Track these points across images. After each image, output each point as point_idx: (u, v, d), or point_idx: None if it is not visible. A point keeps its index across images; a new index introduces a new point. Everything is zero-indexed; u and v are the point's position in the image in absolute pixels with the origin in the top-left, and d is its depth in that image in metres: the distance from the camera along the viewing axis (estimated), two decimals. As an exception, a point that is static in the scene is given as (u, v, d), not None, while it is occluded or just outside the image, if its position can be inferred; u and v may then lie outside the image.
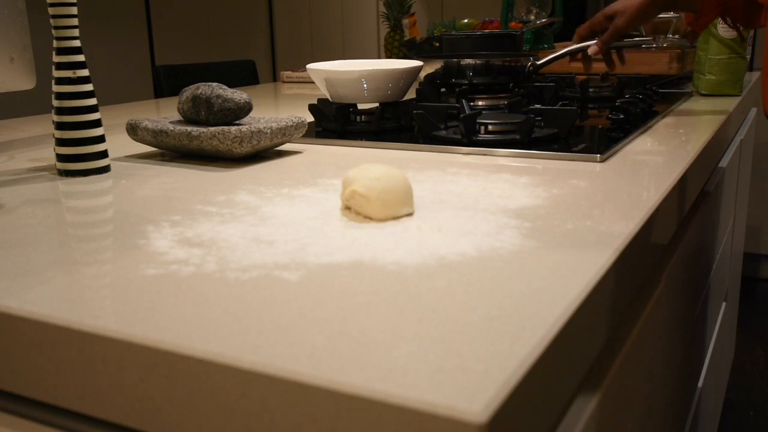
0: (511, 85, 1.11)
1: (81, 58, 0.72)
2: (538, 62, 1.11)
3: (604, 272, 0.44)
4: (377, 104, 0.98)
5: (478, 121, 0.86)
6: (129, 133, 0.85)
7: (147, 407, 0.36)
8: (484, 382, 0.30)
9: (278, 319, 0.37)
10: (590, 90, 1.25)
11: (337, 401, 0.31)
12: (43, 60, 1.25)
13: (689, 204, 0.80)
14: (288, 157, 0.82)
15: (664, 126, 0.97)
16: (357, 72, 0.93)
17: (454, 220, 0.54)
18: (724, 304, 1.37)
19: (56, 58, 0.72)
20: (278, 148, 0.88)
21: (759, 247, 2.49)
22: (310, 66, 0.99)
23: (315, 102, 1.04)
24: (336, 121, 0.97)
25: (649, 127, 0.96)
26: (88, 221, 0.57)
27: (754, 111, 1.66)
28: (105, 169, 0.76)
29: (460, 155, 0.81)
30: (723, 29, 1.23)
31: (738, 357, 2.03)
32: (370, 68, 0.94)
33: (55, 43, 0.71)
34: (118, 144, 0.95)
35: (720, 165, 1.11)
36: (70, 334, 0.38)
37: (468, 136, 0.84)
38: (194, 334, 0.36)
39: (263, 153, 0.84)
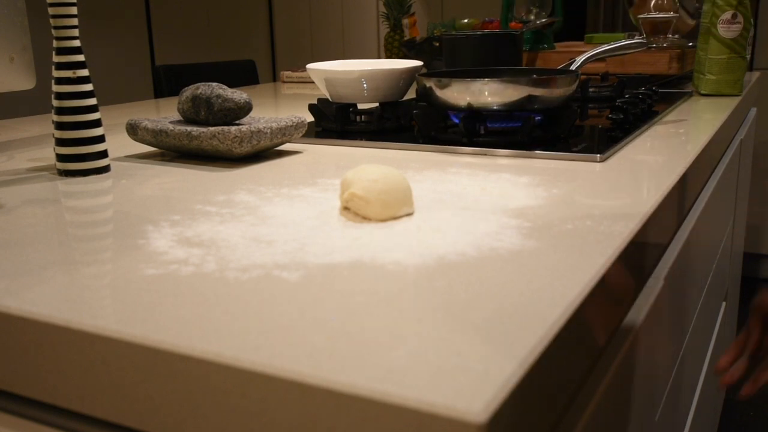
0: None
1: (81, 58, 0.72)
2: (573, 66, 1.04)
3: (604, 272, 0.44)
4: (377, 104, 0.98)
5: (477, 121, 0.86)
6: (129, 133, 0.85)
7: (147, 407, 0.36)
8: (484, 382, 0.30)
9: (278, 319, 0.37)
10: (590, 90, 1.25)
11: (336, 401, 0.31)
12: (43, 60, 1.25)
13: (689, 204, 0.80)
14: (288, 157, 0.82)
15: (664, 126, 0.97)
16: (357, 72, 0.93)
17: (454, 220, 0.54)
18: (724, 304, 1.38)
19: (56, 58, 0.72)
20: (278, 148, 0.88)
21: (759, 247, 2.49)
22: (310, 66, 0.99)
23: (315, 102, 1.04)
24: (336, 121, 0.97)
25: (649, 127, 0.96)
26: (88, 221, 0.57)
27: (754, 111, 1.66)
28: (105, 169, 0.76)
29: (460, 155, 0.81)
30: (723, 29, 1.23)
31: (738, 357, 2.02)
32: (370, 68, 0.94)
33: (55, 43, 0.71)
34: (118, 144, 0.95)
35: (720, 165, 1.11)
36: (69, 334, 0.38)
37: (468, 136, 0.84)
38: (194, 334, 0.36)
39: (263, 153, 0.84)
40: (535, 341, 0.34)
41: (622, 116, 0.95)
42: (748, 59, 1.37)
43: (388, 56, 2.10)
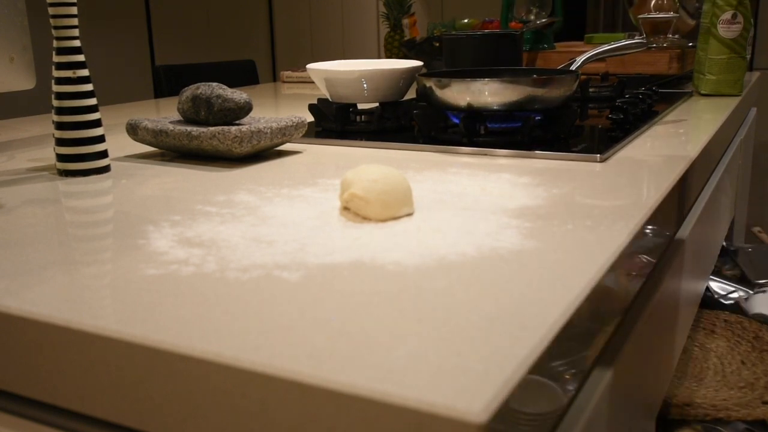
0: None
1: (81, 58, 0.72)
2: (573, 66, 1.04)
3: (604, 272, 0.44)
4: (377, 104, 0.98)
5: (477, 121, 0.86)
6: (129, 133, 0.85)
7: (147, 407, 0.36)
8: (483, 382, 0.30)
9: (278, 319, 0.37)
10: (590, 90, 1.25)
11: (336, 401, 0.31)
12: (43, 60, 1.25)
13: (689, 204, 0.80)
14: (288, 157, 0.82)
15: (664, 126, 0.97)
16: (357, 72, 0.93)
17: (454, 220, 0.54)
18: (724, 304, 1.37)
19: (56, 58, 0.72)
20: (278, 148, 0.88)
21: (759, 247, 2.48)
22: (310, 66, 0.99)
23: (315, 102, 1.04)
24: (336, 121, 0.97)
25: (649, 127, 0.96)
26: (88, 221, 0.57)
27: (754, 111, 1.66)
28: (105, 169, 0.76)
29: (460, 155, 0.81)
30: (723, 29, 1.23)
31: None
32: (370, 68, 0.94)
33: (55, 43, 0.71)
34: (118, 144, 0.95)
35: (720, 165, 1.11)
36: (69, 334, 0.38)
37: (468, 136, 0.84)
38: (194, 334, 0.36)
39: (263, 153, 0.84)
40: (536, 341, 0.34)
41: (622, 116, 0.95)
42: (748, 59, 1.37)
43: (388, 56, 2.10)
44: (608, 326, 0.48)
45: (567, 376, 0.39)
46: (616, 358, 0.51)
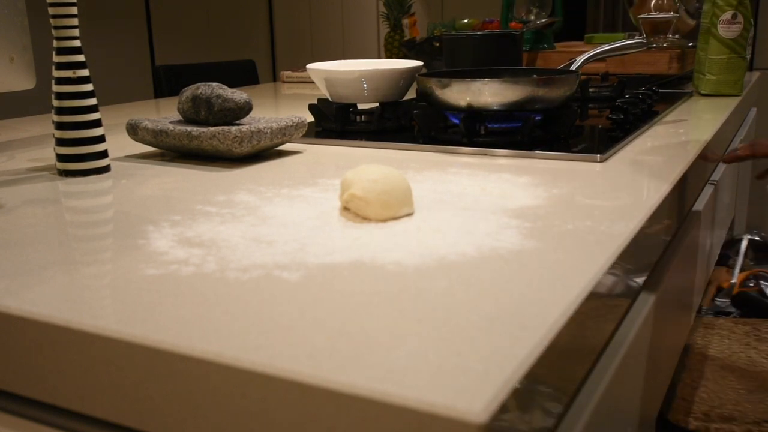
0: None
1: (81, 58, 0.72)
2: (573, 66, 1.04)
3: (604, 272, 0.44)
4: (377, 104, 0.98)
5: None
6: (129, 133, 0.85)
7: (147, 407, 0.36)
8: (484, 382, 0.30)
9: (278, 319, 0.37)
10: (590, 90, 1.25)
11: (336, 401, 0.31)
12: (43, 60, 1.25)
13: (689, 204, 0.80)
14: (288, 157, 0.82)
15: (664, 126, 0.97)
16: (357, 72, 0.93)
17: (454, 220, 0.54)
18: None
19: (56, 58, 0.72)
20: (278, 148, 0.88)
21: (759, 247, 2.48)
22: (310, 66, 0.99)
23: (315, 102, 1.04)
24: (336, 121, 0.97)
25: (649, 127, 0.96)
26: (88, 221, 0.57)
27: (754, 111, 1.66)
28: (105, 169, 0.76)
29: (460, 155, 0.81)
30: (723, 29, 1.23)
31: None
32: (370, 68, 0.94)
33: (55, 43, 0.71)
34: (118, 144, 0.95)
35: (720, 165, 1.11)
36: (69, 334, 0.38)
37: (468, 136, 0.84)
38: (194, 334, 0.36)
39: (263, 153, 0.84)
40: (536, 341, 0.34)
41: (622, 116, 0.95)
42: (748, 59, 1.37)
43: (388, 56, 2.10)
44: (608, 327, 0.48)
45: (567, 375, 0.39)
46: (616, 359, 0.51)
